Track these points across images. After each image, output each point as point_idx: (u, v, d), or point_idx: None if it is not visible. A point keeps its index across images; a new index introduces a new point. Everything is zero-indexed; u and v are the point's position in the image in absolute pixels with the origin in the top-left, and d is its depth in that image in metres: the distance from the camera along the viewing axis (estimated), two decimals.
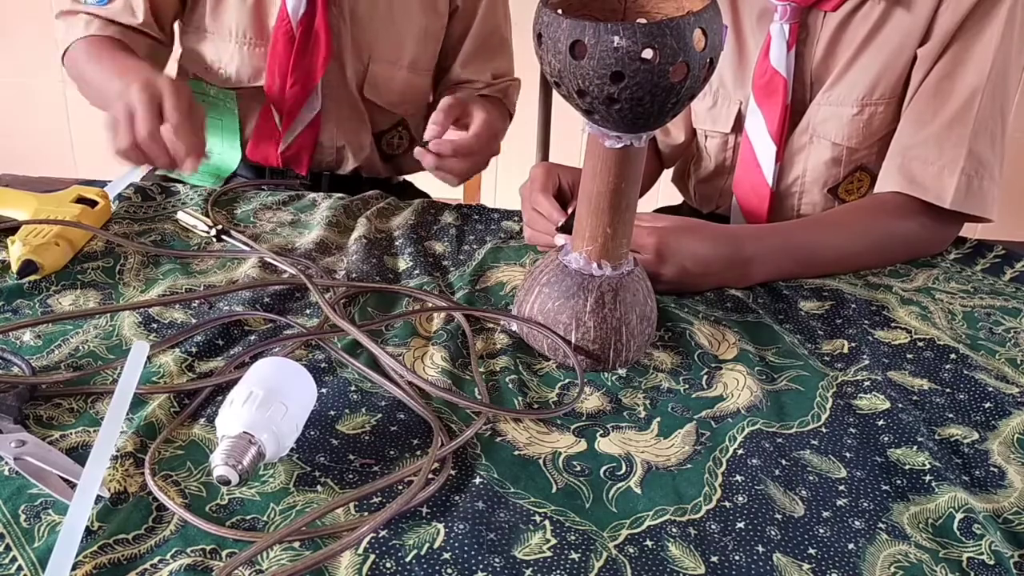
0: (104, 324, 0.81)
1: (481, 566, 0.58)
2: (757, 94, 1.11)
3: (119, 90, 1.02)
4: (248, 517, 0.61)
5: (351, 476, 0.65)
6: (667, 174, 1.36)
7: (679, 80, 0.66)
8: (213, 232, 0.98)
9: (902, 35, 1.03)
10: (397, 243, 1.01)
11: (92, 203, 0.98)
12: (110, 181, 1.06)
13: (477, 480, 0.65)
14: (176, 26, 1.28)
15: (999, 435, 0.74)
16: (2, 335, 0.78)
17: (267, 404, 0.64)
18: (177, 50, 1.30)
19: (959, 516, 0.64)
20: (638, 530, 0.62)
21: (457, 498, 0.63)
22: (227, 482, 0.60)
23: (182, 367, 0.76)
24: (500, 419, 0.72)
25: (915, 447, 0.71)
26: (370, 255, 0.97)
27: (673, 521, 0.63)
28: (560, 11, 0.68)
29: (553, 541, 0.60)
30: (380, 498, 0.63)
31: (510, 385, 0.76)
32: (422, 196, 1.36)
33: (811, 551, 0.61)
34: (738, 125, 1.17)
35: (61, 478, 0.62)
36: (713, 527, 0.62)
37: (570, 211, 0.93)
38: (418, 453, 0.68)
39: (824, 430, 0.73)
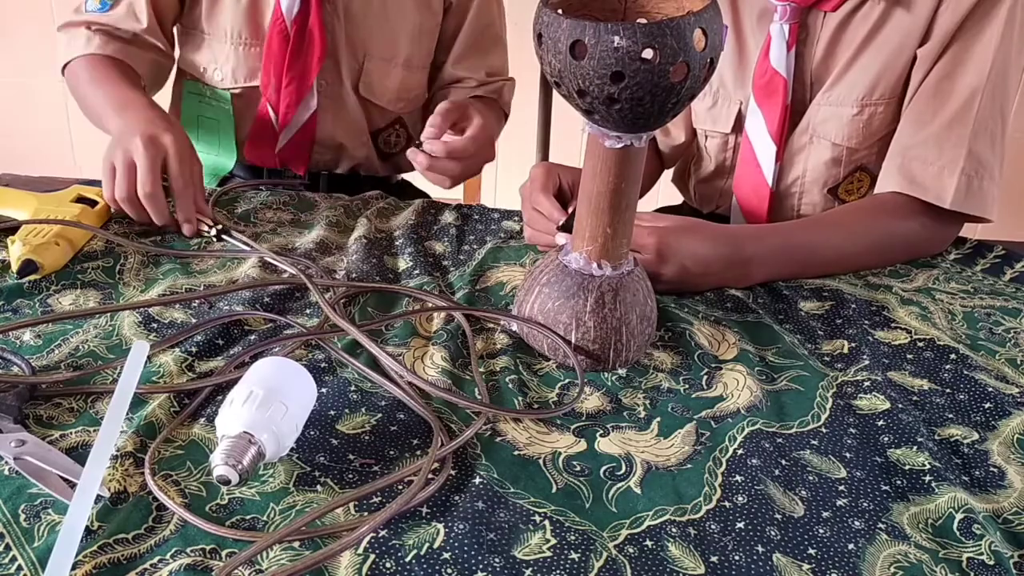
0: (104, 324, 0.81)
1: (481, 566, 0.58)
2: (757, 94, 1.11)
3: (120, 129, 1.02)
4: (248, 517, 0.61)
5: (351, 476, 0.65)
6: (667, 174, 1.36)
7: (679, 80, 0.66)
8: (213, 232, 0.98)
9: (902, 35, 1.03)
10: (397, 243, 1.01)
11: (92, 203, 0.98)
12: None
13: (477, 480, 0.65)
14: (175, 30, 1.28)
15: (999, 435, 0.74)
16: (2, 335, 0.78)
17: (267, 404, 0.64)
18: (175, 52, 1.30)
19: (959, 516, 0.64)
20: (638, 530, 0.62)
21: (457, 498, 0.63)
22: (227, 482, 0.60)
23: (182, 367, 0.76)
24: (500, 419, 0.72)
25: (915, 447, 0.71)
26: (370, 255, 0.97)
27: (673, 521, 0.63)
28: (560, 11, 0.68)
29: (553, 541, 0.60)
30: (380, 498, 0.63)
31: (510, 385, 0.76)
32: (421, 196, 1.35)
33: (811, 551, 0.61)
34: (738, 125, 1.17)
35: (61, 478, 0.62)
36: (713, 527, 0.62)
37: (571, 210, 0.93)
38: (418, 453, 0.68)
39: (824, 430, 0.73)
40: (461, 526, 0.60)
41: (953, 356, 0.84)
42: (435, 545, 0.59)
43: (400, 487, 0.64)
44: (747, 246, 0.95)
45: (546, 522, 0.62)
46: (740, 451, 0.70)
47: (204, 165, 1.05)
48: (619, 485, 0.66)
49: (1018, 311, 0.93)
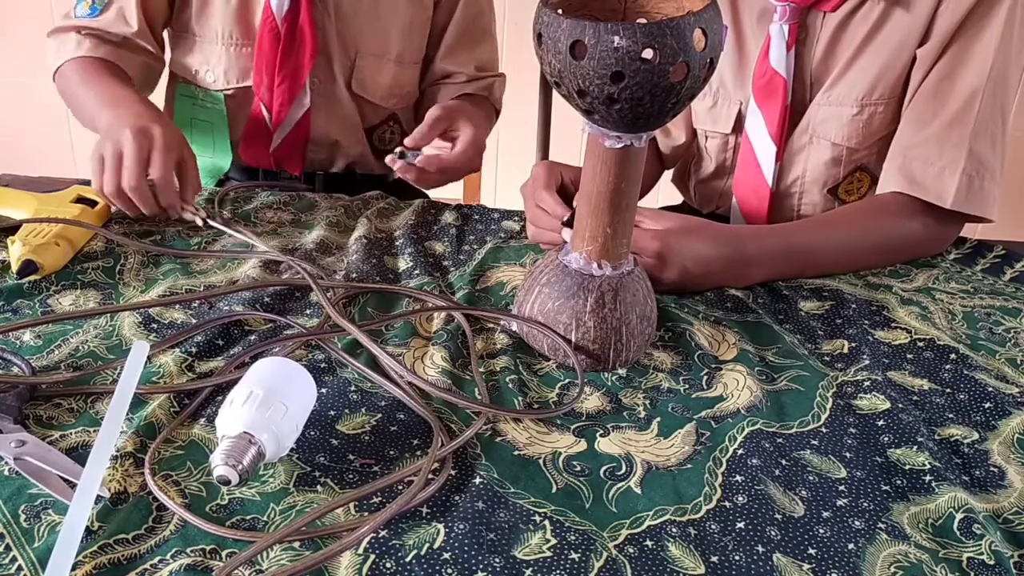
0: (104, 324, 0.81)
1: (481, 566, 0.58)
2: (757, 94, 1.11)
3: (109, 123, 1.02)
4: (248, 517, 0.61)
5: (351, 476, 0.65)
6: (667, 174, 1.36)
7: (679, 80, 0.66)
8: (199, 219, 0.99)
9: (901, 35, 1.03)
10: (397, 243, 1.01)
11: (92, 203, 0.98)
12: None
13: (477, 480, 0.65)
14: (166, 34, 1.28)
15: (999, 435, 0.74)
16: (2, 335, 0.78)
17: (267, 404, 0.64)
18: (166, 55, 1.30)
19: (959, 516, 0.64)
20: (638, 530, 0.62)
21: (457, 498, 0.63)
22: (227, 482, 0.60)
23: (182, 367, 0.76)
24: (500, 419, 0.72)
25: (915, 447, 0.71)
26: (370, 255, 0.97)
27: (673, 521, 0.63)
28: (560, 11, 0.68)
29: (553, 541, 0.60)
30: (380, 498, 0.63)
31: (510, 385, 0.76)
32: (420, 195, 1.36)
33: (811, 551, 0.61)
34: (738, 125, 1.17)
35: (61, 478, 0.62)
36: (713, 527, 0.62)
37: (575, 205, 0.93)
38: (418, 453, 0.68)
39: (824, 430, 0.73)
40: (461, 526, 0.60)
41: (953, 356, 0.84)
42: (435, 545, 0.59)
43: (400, 487, 0.64)
44: (748, 246, 0.95)
45: (546, 522, 0.62)
46: (740, 451, 0.70)
47: (200, 167, 1.05)
48: (619, 485, 0.66)
49: (1018, 311, 0.93)
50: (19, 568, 0.55)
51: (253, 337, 0.81)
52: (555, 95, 1.56)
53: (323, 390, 0.73)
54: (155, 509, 0.61)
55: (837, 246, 1.00)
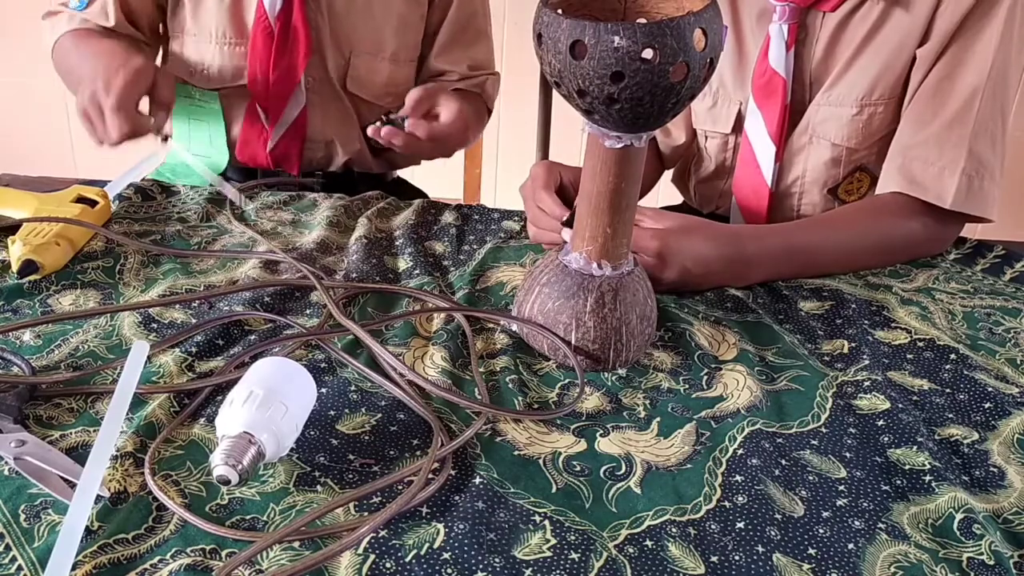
0: (104, 324, 0.81)
1: (481, 566, 0.58)
2: (756, 94, 1.11)
3: (93, 66, 1.06)
4: (248, 517, 0.61)
5: (351, 476, 0.65)
6: (667, 174, 1.36)
7: (679, 80, 0.66)
8: (159, 140, 1.04)
9: (901, 35, 1.03)
10: (397, 243, 1.02)
11: (92, 203, 0.98)
12: (110, 181, 1.07)
13: (477, 480, 0.65)
14: (160, 29, 1.29)
15: (999, 435, 0.74)
16: (2, 335, 0.78)
17: (267, 404, 0.64)
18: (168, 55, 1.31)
19: (959, 516, 0.64)
20: (638, 530, 0.62)
21: (457, 498, 0.63)
22: (227, 482, 0.60)
23: (182, 367, 0.76)
24: (500, 419, 0.72)
25: (915, 447, 0.71)
26: (370, 255, 0.97)
27: (673, 521, 0.63)
28: (560, 11, 0.68)
29: (553, 541, 0.60)
30: (380, 498, 0.63)
31: (510, 385, 0.76)
32: (419, 194, 1.36)
33: (811, 551, 0.61)
34: (738, 126, 1.17)
35: (61, 478, 0.62)
36: (713, 527, 0.62)
37: (575, 205, 0.93)
38: (418, 453, 0.68)
39: (824, 430, 0.73)
40: (461, 526, 0.60)
41: (953, 356, 0.84)
42: (435, 545, 0.59)
43: (400, 487, 0.64)
44: (748, 246, 0.95)
45: (546, 522, 0.62)
46: (740, 451, 0.70)
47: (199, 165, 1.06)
48: (619, 485, 0.66)
49: (1018, 311, 0.93)
50: (19, 568, 0.55)
51: (253, 337, 0.81)
52: (555, 95, 1.56)
53: (323, 390, 0.73)
54: (155, 509, 0.61)
55: (837, 246, 1.00)
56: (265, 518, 0.61)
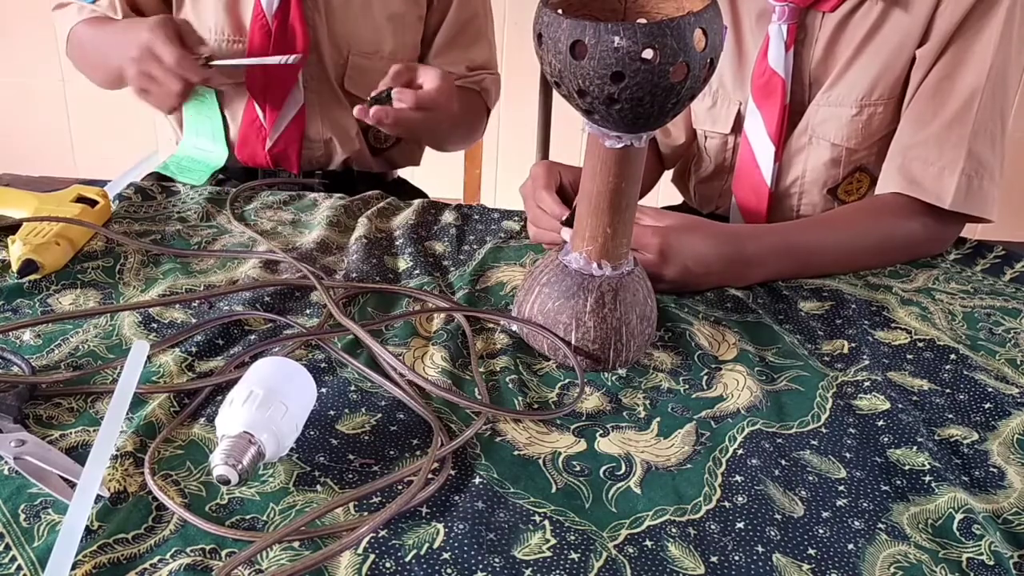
0: (104, 324, 0.81)
1: (481, 566, 0.58)
2: (756, 95, 1.11)
3: (120, 62, 1.11)
4: (248, 517, 0.61)
5: (351, 476, 0.65)
6: (667, 174, 1.36)
7: (679, 80, 0.66)
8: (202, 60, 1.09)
9: (901, 35, 1.03)
10: (397, 243, 1.02)
11: (92, 203, 0.98)
12: (110, 181, 1.07)
13: (477, 480, 0.65)
14: None
15: (999, 435, 0.74)
16: (2, 335, 0.78)
17: (267, 404, 0.64)
18: None
19: (959, 516, 0.64)
20: (638, 530, 0.62)
21: (457, 498, 0.63)
22: (227, 482, 0.60)
23: (182, 367, 0.76)
24: (500, 419, 0.72)
25: (915, 447, 0.71)
26: (370, 255, 0.97)
27: (673, 521, 0.63)
28: (560, 11, 0.68)
29: (553, 541, 0.60)
30: (380, 498, 0.63)
31: (510, 385, 0.76)
32: (419, 194, 1.35)
33: (811, 551, 0.61)
34: (738, 126, 1.17)
35: (61, 478, 0.62)
36: (713, 527, 0.62)
37: (574, 205, 0.93)
38: (418, 453, 0.68)
39: (824, 430, 0.73)
40: (461, 526, 0.60)
41: (953, 356, 0.84)
42: (435, 545, 0.59)
43: (400, 487, 0.64)
44: (748, 245, 0.95)
45: (546, 522, 0.62)
46: (740, 451, 0.70)
47: (200, 164, 1.06)
48: (619, 485, 0.66)
49: (1018, 311, 0.93)
50: (19, 568, 0.55)
51: (253, 337, 0.81)
52: (555, 95, 1.56)
53: (323, 390, 0.73)
54: (155, 509, 0.61)
55: (837, 246, 1.00)
56: (265, 518, 0.61)
